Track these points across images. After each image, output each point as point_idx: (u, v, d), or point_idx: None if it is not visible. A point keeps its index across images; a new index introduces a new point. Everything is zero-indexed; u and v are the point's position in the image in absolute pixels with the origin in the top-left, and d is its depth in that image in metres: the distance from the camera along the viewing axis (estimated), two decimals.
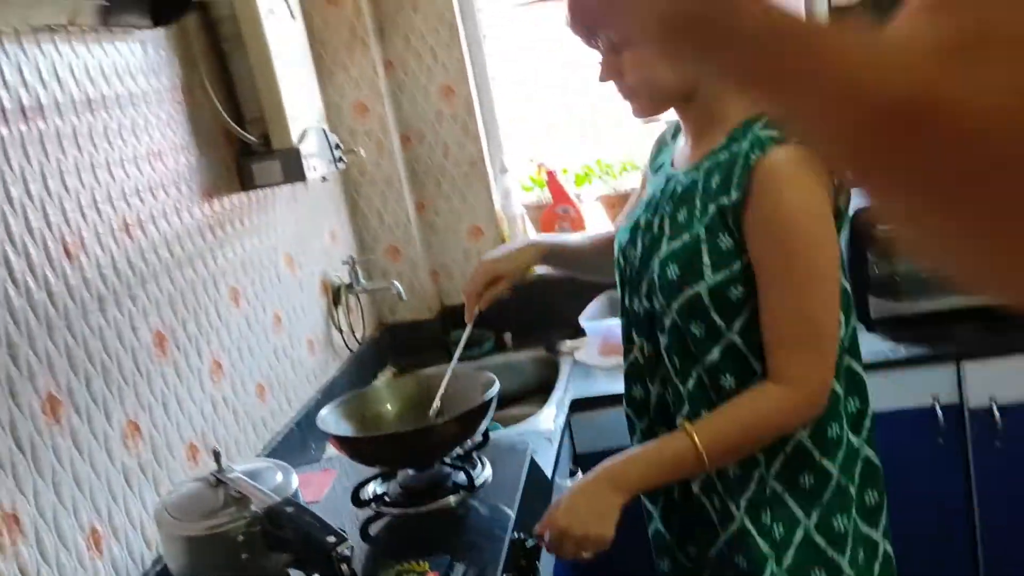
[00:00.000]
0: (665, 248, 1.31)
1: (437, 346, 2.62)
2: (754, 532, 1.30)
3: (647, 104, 1.33)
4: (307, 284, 2.22)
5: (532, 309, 2.67)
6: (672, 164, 1.40)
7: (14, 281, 1.23)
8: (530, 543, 1.37)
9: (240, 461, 1.49)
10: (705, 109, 1.31)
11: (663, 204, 1.35)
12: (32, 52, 1.34)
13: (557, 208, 2.63)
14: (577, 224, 2.63)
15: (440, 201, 2.68)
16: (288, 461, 1.78)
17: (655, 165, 1.48)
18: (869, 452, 1.36)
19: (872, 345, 2.12)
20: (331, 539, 1.09)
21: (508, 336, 2.65)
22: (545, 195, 2.70)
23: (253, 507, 1.21)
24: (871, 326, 2.18)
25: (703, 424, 1.26)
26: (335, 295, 2.34)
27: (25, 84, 1.32)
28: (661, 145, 1.52)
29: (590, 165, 2.76)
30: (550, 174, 2.64)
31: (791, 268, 1.22)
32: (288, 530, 1.15)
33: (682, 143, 1.41)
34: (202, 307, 1.71)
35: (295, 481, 1.30)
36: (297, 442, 1.96)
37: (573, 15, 1.30)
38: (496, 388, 1.54)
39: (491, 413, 1.53)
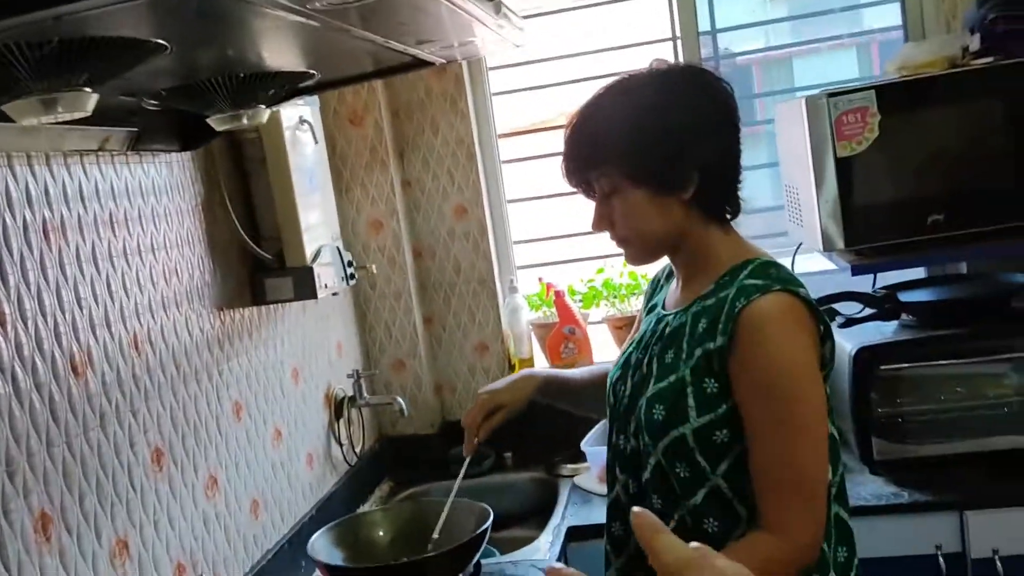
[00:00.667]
0: (652, 388, 1.33)
1: (437, 461, 2.61)
2: None
3: (639, 252, 1.39)
4: (311, 397, 2.23)
5: (534, 430, 2.65)
6: (664, 305, 1.44)
7: (19, 399, 1.25)
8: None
9: None
10: (694, 256, 1.36)
11: (652, 344, 1.38)
12: (60, 174, 1.40)
13: (564, 328, 2.65)
14: (582, 344, 2.65)
15: (448, 316, 2.71)
16: None
17: (649, 305, 1.52)
18: None
19: (875, 488, 2.10)
20: None
21: (508, 456, 2.64)
22: (552, 314, 2.73)
23: None
24: (874, 468, 2.16)
25: None
26: (338, 408, 2.35)
27: (50, 205, 1.37)
28: (656, 285, 1.56)
29: (597, 287, 2.80)
30: (558, 294, 2.67)
31: (779, 419, 1.23)
32: None
33: (674, 285, 1.45)
34: (203, 421, 1.72)
35: None
36: (287, 560, 1.94)
37: (567, 163, 1.36)
38: (489, 522, 1.54)
39: (483, 546, 1.52)
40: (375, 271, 2.53)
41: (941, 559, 1.99)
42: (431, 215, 2.67)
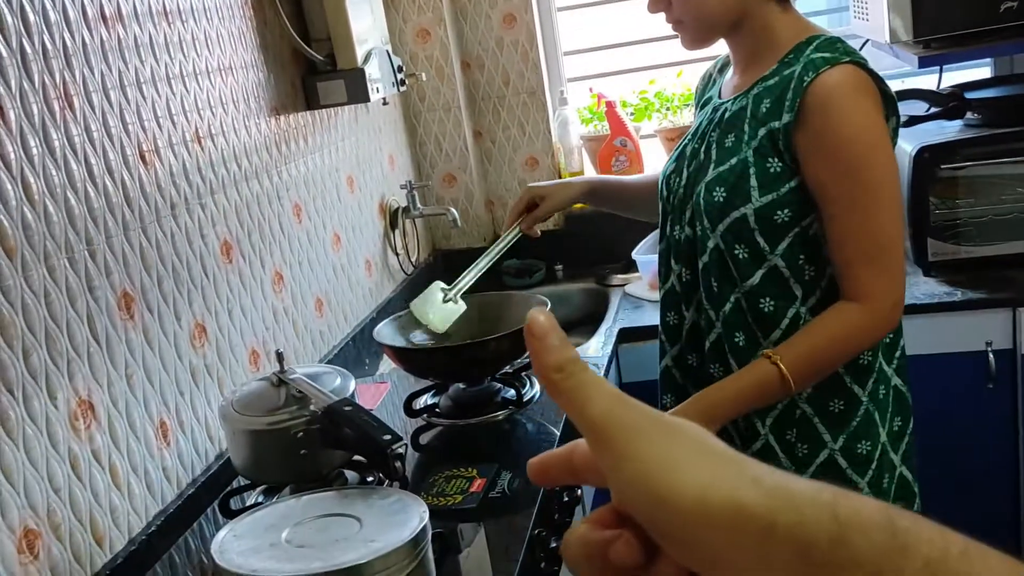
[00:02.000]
0: (711, 172, 1.33)
1: (491, 274, 2.65)
2: (778, 449, 1.35)
3: (694, 34, 1.34)
4: (366, 206, 2.26)
5: (584, 242, 2.69)
6: (720, 96, 1.41)
7: (93, 182, 1.29)
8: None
9: (302, 365, 1.55)
10: (753, 37, 1.32)
11: (710, 132, 1.36)
12: None
13: (615, 140, 2.63)
14: (634, 157, 2.62)
15: (497, 130, 2.69)
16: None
17: (702, 100, 1.49)
18: (898, 380, 1.39)
19: (928, 288, 2.11)
20: (387, 437, 1.15)
21: (559, 267, 2.68)
22: (603, 127, 2.70)
23: (313, 406, 1.27)
24: (928, 269, 2.16)
25: (786, 349, 1.28)
26: (392, 218, 2.39)
27: None
28: (707, 80, 1.53)
29: (649, 98, 2.75)
30: (609, 105, 2.63)
31: (857, 189, 1.23)
32: (346, 428, 1.21)
33: (729, 75, 1.42)
34: (266, 219, 1.76)
35: (352, 385, 1.36)
36: (352, 356, 2.02)
37: None
38: (548, 308, 1.57)
39: None
40: (424, 79, 2.50)
41: (991, 355, 2.02)
42: (479, 23, 2.61)
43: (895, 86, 2.26)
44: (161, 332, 1.41)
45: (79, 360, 1.23)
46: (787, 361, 1.25)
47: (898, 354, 1.40)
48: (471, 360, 1.53)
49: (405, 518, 1.00)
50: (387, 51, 2.09)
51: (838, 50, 1.26)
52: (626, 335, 2.20)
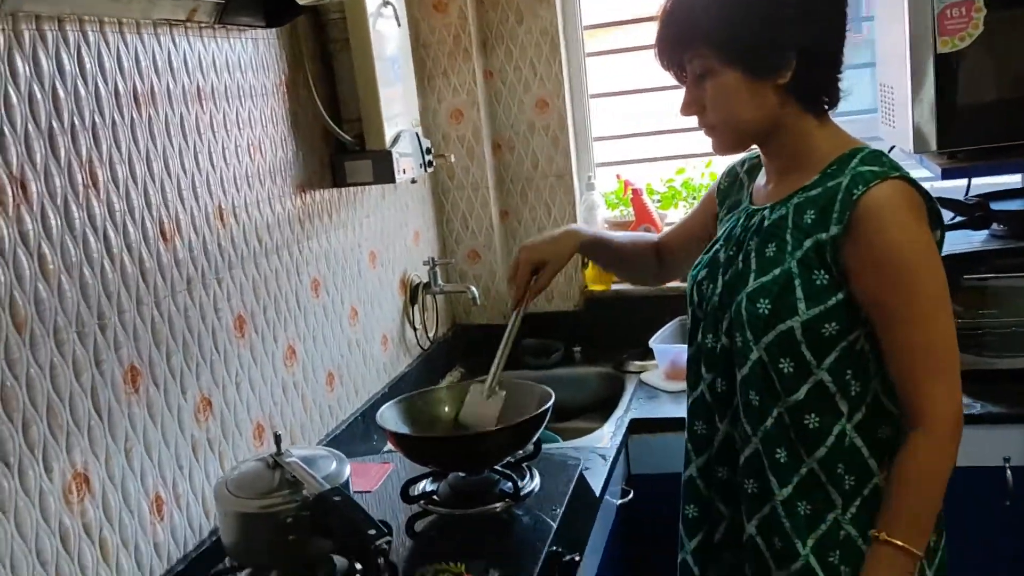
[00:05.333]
0: (753, 283, 1.29)
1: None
2: (819, 570, 1.28)
3: (727, 140, 1.33)
4: (386, 281, 2.29)
5: (604, 326, 2.70)
6: (751, 201, 1.40)
7: (111, 257, 1.33)
8: (571, 558, 1.40)
9: (301, 446, 1.56)
10: (790, 146, 1.31)
11: (747, 240, 1.33)
12: (150, 43, 1.44)
13: (639, 227, 2.64)
14: None
15: (524, 210, 2.73)
16: (349, 449, 1.86)
17: (728, 201, 1.48)
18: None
19: None
20: (372, 532, 1.14)
21: (578, 349, 2.68)
22: (629, 212, 2.72)
23: (305, 492, 1.28)
24: None
25: (891, 521, 1.23)
26: (413, 293, 2.41)
27: (140, 73, 1.41)
28: (733, 179, 1.51)
29: (676, 187, 2.77)
30: (635, 192, 2.65)
31: (913, 304, 1.21)
32: (334, 518, 1.21)
33: (762, 180, 1.40)
34: (283, 294, 1.79)
35: (347, 471, 1.36)
36: (360, 432, 2.03)
37: (660, 42, 1.32)
38: (551, 402, 1.58)
39: (543, 425, 1.57)
40: (453, 160, 2.55)
41: (1009, 471, 1.97)
42: (512, 107, 2.66)
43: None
44: (165, 406, 1.43)
45: (78, 433, 1.25)
46: (900, 536, 1.21)
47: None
48: (470, 451, 1.53)
49: None
50: (416, 133, 2.13)
51: (885, 164, 1.25)
52: (637, 426, 2.19)
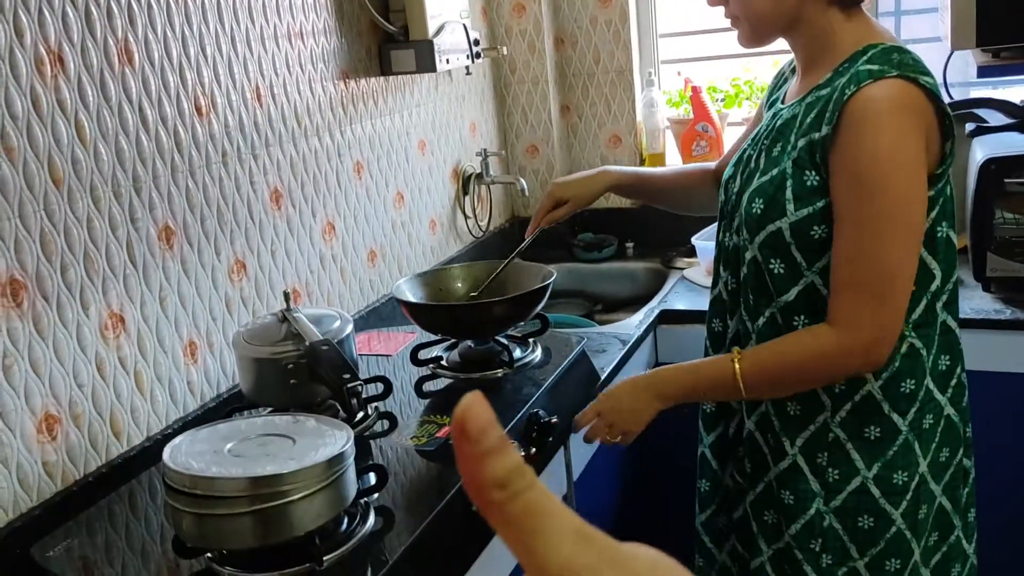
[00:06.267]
0: (755, 182, 1.31)
1: (562, 245, 2.76)
2: (807, 471, 1.32)
3: (749, 32, 1.32)
4: (437, 169, 2.41)
5: (657, 223, 2.73)
6: (783, 100, 1.39)
7: (146, 128, 1.50)
8: (548, 420, 1.53)
9: (317, 308, 1.72)
10: (813, 41, 1.29)
11: (764, 139, 1.35)
12: None
13: (697, 125, 2.65)
14: (714, 143, 2.64)
15: (585, 106, 2.77)
16: (385, 322, 2.02)
17: (771, 100, 1.46)
18: (952, 410, 1.34)
19: (982, 303, 2.06)
20: (346, 376, 1.30)
21: (630, 245, 2.74)
22: (690, 111, 2.72)
23: (305, 343, 1.44)
24: (986, 284, 2.10)
25: (750, 353, 1.30)
26: (465, 183, 2.53)
27: None
28: (779, 79, 1.50)
29: (741, 86, 2.74)
30: (695, 90, 2.65)
31: (867, 212, 1.18)
32: (323, 364, 1.37)
33: (796, 77, 1.39)
34: (323, 174, 1.94)
35: (348, 329, 1.51)
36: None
37: None
38: (552, 279, 1.68)
39: (544, 299, 1.67)
40: (505, 53, 2.61)
41: None
42: (575, 1, 2.69)
43: (976, 93, 2.19)
44: (199, 263, 1.61)
45: (114, 279, 1.44)
46: (745, 365, 1.27)
47: (954, 382, 1.34)
48: (471, 319, 1.66)
49: (332, 443, 1.14)
50: (464, 25, 2.21)
51: (891, 61, 1.20)
52: (666, 317, 2.26)
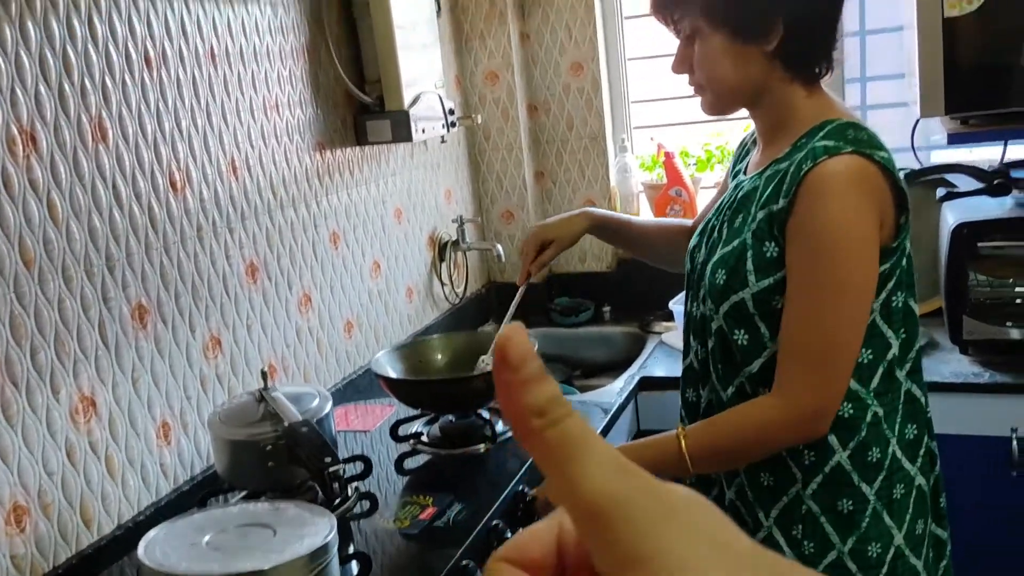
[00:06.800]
0: (718, 253, 1.32)
1: (541, 310, 2.75)
2: (783, 543, 1.31)
3: (714, 101, 1.33)
4: (413, 237, 2.40)
5: (634, 287, 2.74)
6: (745, 171, 1.41)
7: (120, 206, 1.47)
8: (534, 497, 1.49)
9: (294, 385, 1.69)
10: (774, 114, 1.31)
11: (727, 210, 1.36)
12: (162, 8, 1.57)
13: (671, 190, 2.67)
14: (688, 207, 2.66)
15: (559, 171, 2.79)
16: (364, 395, 1.99)
17: (735, 170, 1.47)
18: (922, 481, 1.33)
19: (960, 367, 2.06)
20: (328, 459, 1.26)
21: (607, 309, 2.74)
22: (664, 175, 2.74)
23: (284, 424, 1.40)
24: (964, 348, 2.11)
25: (697, 428, 1.29)
26: (441, 250, 2.51)
27: (152, 38, 1.54)
28: (742, 150, 1.51)
29: (712, 151, 2.78)
30: (667, 155, 2.68)
31: (816, 283, 1.20)
32: (302, 446, 1.33)
33: (756, 149, 1.40)
34: (299, 245, 1.92)
35: (328, 407, 1.47)
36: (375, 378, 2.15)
37: (654, 5, 1.34)
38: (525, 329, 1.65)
39: None
40: (480, 121, 2.62)
41: (1015, 442, 1.95)
42: (548, 69, 2.72)
43: (947, 157, 2.23)
44: (173, 342, 1.57)
45: (86, 361, 1.40)
46: (691, 442, 1.26)
47: (923, 451, 1.33)
48: (452, 394, 1.63)
49: (315, 534, 1.10)
50: (439, 95, 2.22)
51: (846, 137, 1.22)
52: (647, 383, 2.24)
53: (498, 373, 0.31)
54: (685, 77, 1.36)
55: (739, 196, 1.34)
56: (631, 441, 1.40)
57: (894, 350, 1.28)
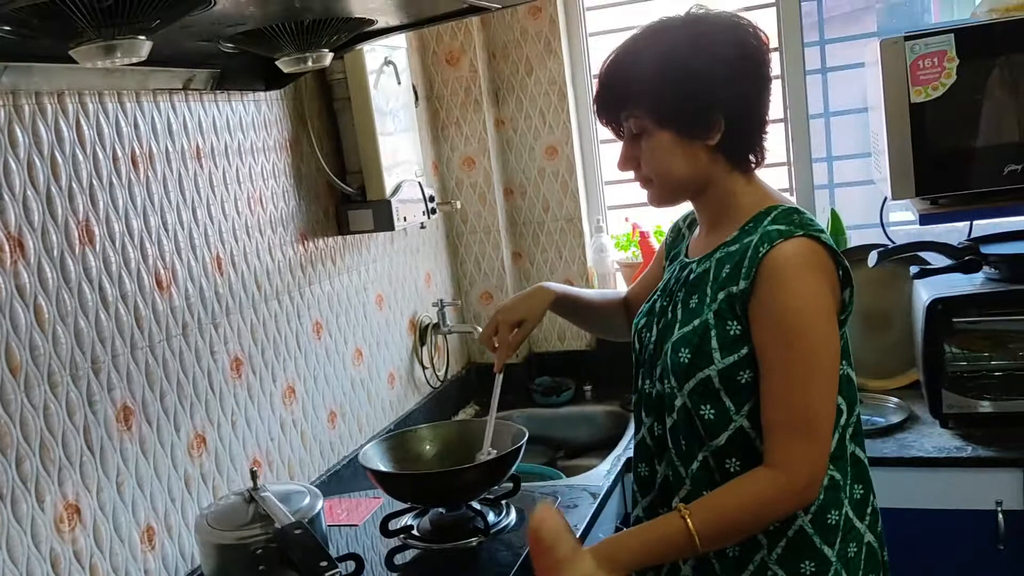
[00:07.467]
0: (677, 333, 1.36)
1: (522, 390, 2.74)
2: None
3: (662, 194, 1.40)
4: (394, 322, 2.40)
5: (615, 365, 2.74)
6: (687, 253, 1.47)
7: (106, 306, 1.46)
8: None
9: (283, 482, 1.66)
10: (717, 202, 1.38)
11: (677, 291, 1.41)
12: (149, 110, 1.58)
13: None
14: None
15: (536, 252, 2.82)
16: (348, 486, 1.96)
17: (671, 254, 1.55)
18: (871, 537, 1.39)
19: (941, 441, 2.08)
20: (324, 563, 1.23)
21: (588, 388, 2.74)
22: (639, 254, 2.78)
23: (275, 525, 1.37)
24: (943, 421, 2.13)
25: (698, 506, 1.30)
26: (422, 334, 2.51)
27: (139, 138, 1.55)
28: (676, 233, 1.59)
29: None
30: (642, 235, 2.72)
31: (790, 359, 1.26)
32: (295, 550, 1.30)
33: (696, 234, 1.48)
34: (282, 337, 1.91)
35: (319, 506, 1.45)
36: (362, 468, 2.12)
37: (598, 103, 1.41)
38: (524, 440, 1.65)
39: (517, 462, 1.64)
40: (459, 207, 2.65)
41: (1000, 515, 1.96)
42: (523, 154, 2.76)
43: (916, 231, 2.28)
44: (158, 442, 1.55)
45: (70, 468, 1.37)
46: (696, 520, 1.27)
47: (869, 510, 1.40)
48: (443, 487, 1.61)
49: None
50: (419, 182, 2.25)
51: (793, 222, 1.32)
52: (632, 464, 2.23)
53: (535, 555, 0.33)
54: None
55: (690, 278, 1.40)
56: (637, 526, 1.39)
57: (844, 416, 1.35)
